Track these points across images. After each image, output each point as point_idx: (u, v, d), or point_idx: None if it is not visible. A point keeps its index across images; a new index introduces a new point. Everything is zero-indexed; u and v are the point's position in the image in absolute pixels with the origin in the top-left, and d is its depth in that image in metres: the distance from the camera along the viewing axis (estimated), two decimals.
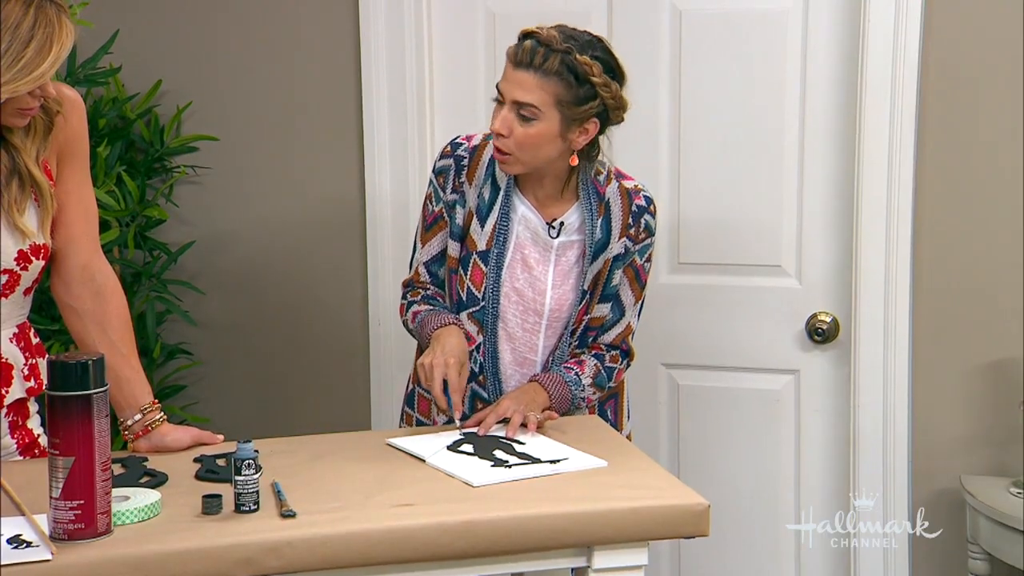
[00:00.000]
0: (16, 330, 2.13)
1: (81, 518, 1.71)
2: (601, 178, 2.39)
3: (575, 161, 2.33)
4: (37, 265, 2.10)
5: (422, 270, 2.44)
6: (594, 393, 2.43)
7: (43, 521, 1.75)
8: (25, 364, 2.13)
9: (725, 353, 3.03)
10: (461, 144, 2.40)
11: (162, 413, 2.19)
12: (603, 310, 2.41)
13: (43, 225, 2.09)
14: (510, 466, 2.05)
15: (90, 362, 1.71)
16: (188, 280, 3.21)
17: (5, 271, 2.06)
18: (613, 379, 2.46)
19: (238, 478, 1.84)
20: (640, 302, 2.46)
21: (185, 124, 3.23)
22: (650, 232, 2.41)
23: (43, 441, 2.17)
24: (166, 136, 3.19)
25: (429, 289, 2.43)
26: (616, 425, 2.50)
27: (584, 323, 2.41)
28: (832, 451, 2.98)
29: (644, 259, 2.43)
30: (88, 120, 2.25)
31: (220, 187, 3.25)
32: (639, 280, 2.43)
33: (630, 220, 2.38)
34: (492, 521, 1.86)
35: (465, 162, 2.37)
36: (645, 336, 3.05)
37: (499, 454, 2.11)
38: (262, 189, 3.24)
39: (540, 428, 2.24)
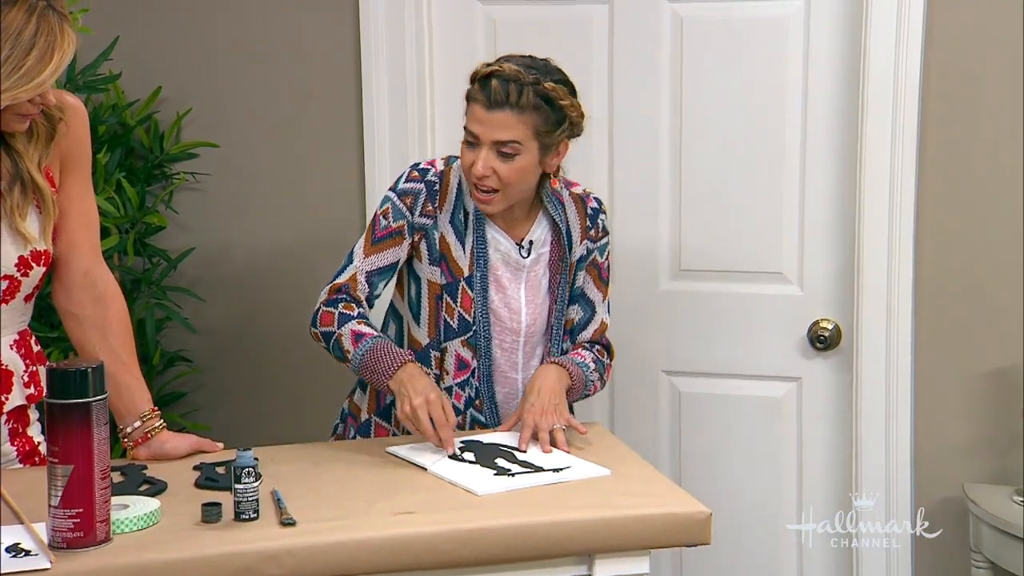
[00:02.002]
0: (17, 337, 2.13)
1: (80, 526, 1.71)
2: (558, 187, 2.43)
3: (556, 183, 2.40)
4: (38, 272, 2.10)
5: (361, 279, 2.36)
6: (598, 379, 2.45)
7: (42, 529, 1.75)
8: (25, 371, 2.13)
9: (727, 360, 3.03)
10: (428, 170, 2.39)
11: (161, 420, 2.20)
12: (572, 312, 2.45)
13: (45, 231, 2.09)
14: (513, 475, 2.05)
15: (90, 370, 1.71)
16: (188, 287, 3.21)
17: (5, 277, 2.06)
18: (606, 373, 2.48)
19: (238, 486, 1.84)
20: (607, 299, 2.50)
21: (185, 130, 3.23)
22: (606, 231, 2.49)
23: (43, 449, 2.17)
24: (166, 142, 3.19)
25: (362, 305, 2.37)
26: None
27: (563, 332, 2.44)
28: (834, 459, 2.97)
29: (604, 257, 2.49)
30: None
31: (220, 193, 3.24)
32: (602, 278, 2.49)
33: (588, 223, 2.45)
34: (493, 529, 1.86)
35: (436, 188, 2.37)
36: (646, 343, 3.06)
37: (501, 462, 2.11)
38: (262, 195, 3.24)
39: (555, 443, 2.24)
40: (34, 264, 2.08)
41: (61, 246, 2.15)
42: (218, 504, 1.85)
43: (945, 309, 2.84)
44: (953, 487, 2.83)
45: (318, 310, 2.35)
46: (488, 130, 2.27)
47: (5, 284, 2.07)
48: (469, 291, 2.36)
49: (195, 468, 2.09)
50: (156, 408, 2.21)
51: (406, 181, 2.39)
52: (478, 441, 2.23)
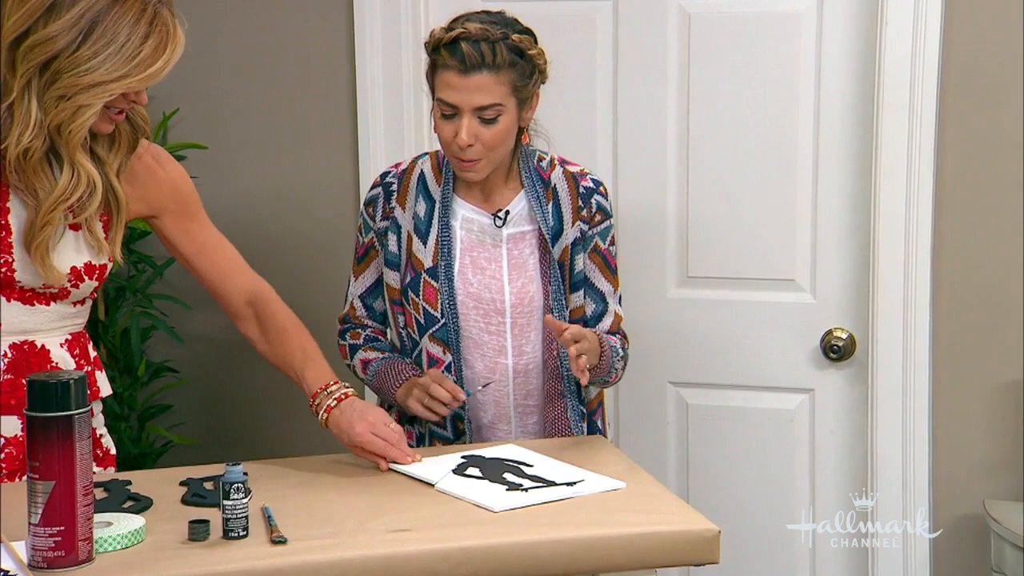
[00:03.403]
0: (69, 337, 2.20)
1: (61, 545, 1.70)
2: (544, 164, 2.44)
3: (527, 140, 2.40)
4: (89, 285, 2.18)
5: (357, 304, 2.49)
6: (622, 367, 2.47)
7: (22, 548, 1.74)
8: (77, 370, 2.19)
9: (736, 371, 3.03)
10: (389, 172, 2.47)
11: (342, 391, 2.24)
12: (577, 300, 2.43)
13: (112, 241, 2.19)
14: (526, 489, 2.04)
15: (72, 381, 1.71)
16: (174, 295, 3.21)
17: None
18: (626, 363, 2.50)
19: (226, 502, 1.84)
20: (618, 291, 2.49)
21: (172, 132, 3.23)
22: (606, 213, 2.45)
23: (106, 442, 2.30)
24: None
25: (367, 327, 2.50)
26: (603, 433, 2.53)
27: (567, 318, 2.42)
28: (848, 474, 2.97)
29: (607, 243, 2.46)
30: None
31: (208, 197, 3.20)
32: (609, 266, 2.47)
33: (580, 203, 2.42)
34: (492, 548, 1.86)
35: (394, 187, 2.43)
36: (652, 353, 3.05)
37: (511, 477, 2.10)
38: (252, 199, 3.24)
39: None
40: (86, 277, 2.16)
41: (213, 280, 2.36)
42: (206, 521, 1.85)
43: (964, 318, 2.84)
44: (973, 504, 2.83)
45: (338, 344, 2.52)
46: (467, 96, 2.28)
47: (55, 290, 2.14)
48: (432, 282, 2.37)
49: (182, 484, 2.09)
50: (338, 382, 2.26)
51: (370, 190, 2.48)
52: (480, 456, 2.22)
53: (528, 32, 2.35)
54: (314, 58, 3.15)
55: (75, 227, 2.15)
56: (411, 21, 3.06)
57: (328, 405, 2.22)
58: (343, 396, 2.22)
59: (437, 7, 3.08)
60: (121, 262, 2.24)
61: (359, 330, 2.50)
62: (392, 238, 2.41)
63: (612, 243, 2.47)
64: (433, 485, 2.08)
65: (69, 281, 2.14)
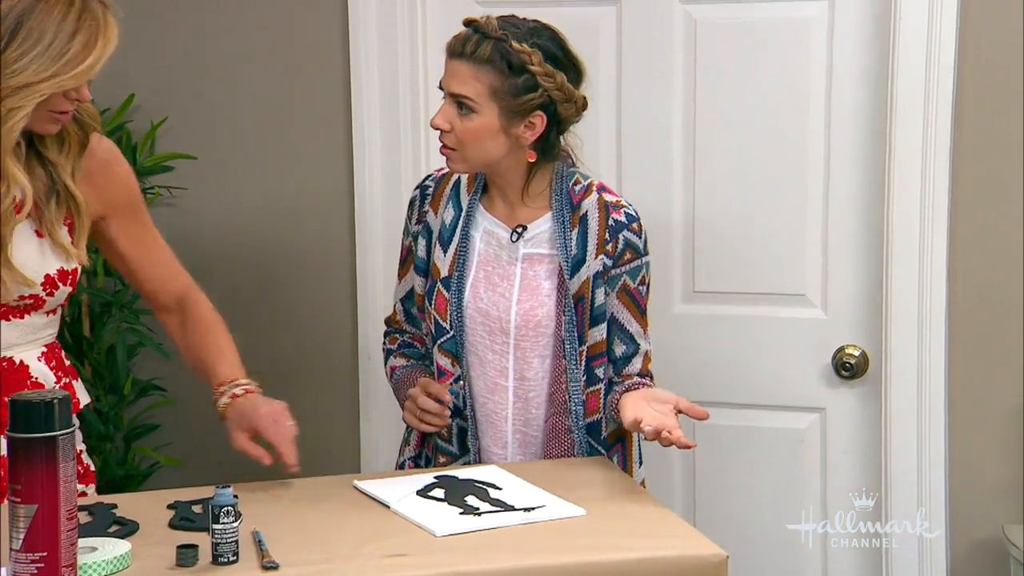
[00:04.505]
0: (45, 349, 2.22)
1: (44, 572, 1.69)
2: (578, 188, 2.40)
3: (532, 157, 2.35)
4: (63, 291, 2.18)
5: (398, 307, 2.54)
6: None
7: (2, 575, 1.74)
8: (57, 383, 2.21)
9: (745, 389, 3.03)
10: (430, 175, 2.51)
11: (252, 387, 2.29)
12: (597, 335, 2.39)
13: (78, 244, 2.18)
14: (480, 513, 2.04)
15: (56, 401, 1.70)
16: None
17: (31, 296, 2.14)
18: None
19: (216, 526, 1.83)
20: (648, 331, 2.47)
21: (160, 141, 3.23)
22: (637, 252, 2.40)
23: (86, 458, 2.33)
24: (139, 155, 3.18)
25: (405, 332, 2.54)
26: (624, 469, 2.49)
27: (584, 353, 2.39)
28: (861, 495, 2.96)
29: (637, 282, 2.41)
30: None
31: (197, 210, 3.24)
32: (638, 306, 2.43)
33: (607, 235, 2.37)
34: (492, 572, 1.86)
35: (430, 191, 2.46)
36: (657, 370, 3.03)
37: (471, 500, 2.10)
38: (242, 212, 3.24)
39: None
40: (60, 284, 2.17)
41: (149, 286, 2.35)
42: (194, 546, 1.84)
43: (981, 334, 2.84)
44: (992, 528, 2.82)
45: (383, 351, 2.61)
46: (448, 79, 2.33)
47: (30, 301, 2.15)
48: (444, 292, 2.39)
49: (169, 507, 2.09)
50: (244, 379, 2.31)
51: (412, 193, 2.51)
52: (452, 477, 2.22)
53: (548, 52, 2.30)
54: (308, 65, 3.15)
55: (40, 234, 2.15)
56: (407, 27, 3.06)
57: (234, 393, 2.27)
58: (252, 390, 2.28)
59: (434, 10, 3.08)
60: (88, 264, 2.24)
61: (397, 335, 2.55)
62: (422, 243, 2.44)
63: (643, 283, 2.42)
64: (389, 507, 2.08)
65: (44, 289, 2.14)
